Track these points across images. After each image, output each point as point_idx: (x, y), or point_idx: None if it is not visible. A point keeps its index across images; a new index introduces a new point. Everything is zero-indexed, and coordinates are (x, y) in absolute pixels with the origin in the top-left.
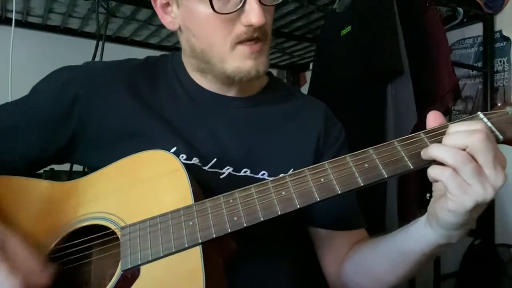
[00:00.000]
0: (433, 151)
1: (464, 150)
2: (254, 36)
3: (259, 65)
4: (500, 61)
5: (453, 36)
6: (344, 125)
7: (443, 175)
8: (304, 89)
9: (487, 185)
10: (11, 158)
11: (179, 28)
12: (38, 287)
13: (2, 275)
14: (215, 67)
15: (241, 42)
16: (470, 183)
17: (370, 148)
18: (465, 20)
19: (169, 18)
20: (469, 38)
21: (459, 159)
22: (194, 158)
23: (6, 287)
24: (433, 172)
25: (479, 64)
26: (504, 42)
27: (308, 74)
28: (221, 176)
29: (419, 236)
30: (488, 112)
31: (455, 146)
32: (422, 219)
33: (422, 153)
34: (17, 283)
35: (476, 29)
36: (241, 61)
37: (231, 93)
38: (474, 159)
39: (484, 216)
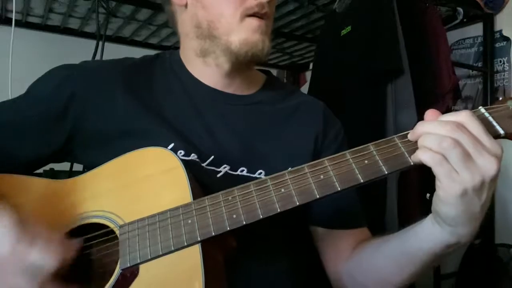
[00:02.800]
0: (420, 141)
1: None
2: (263, 12)
3: (265, 41)
4: (500, 61)
5: (453, 36)
6: (343, 125)
7: (433, 161)
8: (304, 89)
9: (474, 171)
10: (9, 157)
11: (185, 4)
12: (69, 260)
13: (36, 255)
14: (220, 41)
15: (250, 15)
16: (456, 168)
17: (370, 144)
18: (465, 20)
19: None
20: (469, 38)
21: (444, 145)
22: (193, 154)
23: (43, 266)
24: (423, 155)
25: (479, 64)
26: (504, 42)
27: (308, 74)
28: (218, 175)
29: (427, 234)
30: (490, 106)
31: (439, 132)
32: (430, 217)
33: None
34: (53, 260)
35: (476, 29)
36: (249, 33)
37: (230, 89)
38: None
39: (484, 216)
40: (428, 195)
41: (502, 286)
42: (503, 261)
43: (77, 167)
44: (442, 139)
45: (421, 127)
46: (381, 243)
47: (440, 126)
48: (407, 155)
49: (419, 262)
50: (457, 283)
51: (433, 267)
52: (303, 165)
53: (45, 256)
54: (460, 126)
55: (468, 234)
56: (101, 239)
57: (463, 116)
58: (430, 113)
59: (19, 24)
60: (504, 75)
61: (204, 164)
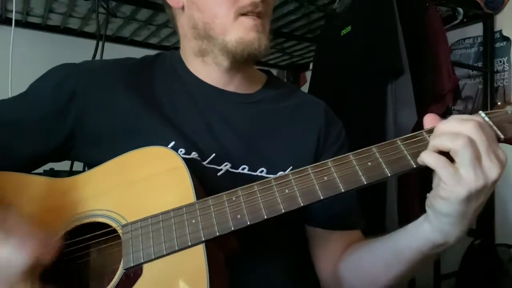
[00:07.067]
0: (433, 140)
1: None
2: (257, 10)
3: (262, 39)
4: (500, 61)
5: (453, 36)
6: (344, 125)
7: (438, 163)
8: (304, 89)
9: (479, 174)
10: (9, 155)
11: (182, 7)
12: (46, 260)
13: (7, 251)
14: (216, 41)
15: (244, 14)
16: (463, 168)
17: (373, 146)
18: (465, 20)
19: None
20: (469, 38)
21: (458, 143)
22: (193, 153)
23: (13, 263)
24: (427, 157)
25: (479, 64)
26: (504, 42)
27: (308, 74)
28: (219, 173)
29: (416, 232)
30: (489, 111)
31: (451, 131)
32: (422, 215)
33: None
34: (25, 258)
35: (476, 29)
36: (244, 32)
37: (231, 87)
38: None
39: (484, 216)
40: (428, 195)
41: (502, 286)
42: (503, 261)
43: (77, 167)
44: (457, 136)
45: (435, 141)
46: (371, 244)
47: (461, 123)
48: (409, 158)
49: (406, 262)
50: (457, 283)
51: (432, 266)
52: (306, 167)
53: (16, 253)
54: (481, 126)
55: (455, 235)
56: (103, 238)
57: (480, 118)
58: (429, 118)
59: (19, 24)
60: (504, 75)
61: (205, 163)
